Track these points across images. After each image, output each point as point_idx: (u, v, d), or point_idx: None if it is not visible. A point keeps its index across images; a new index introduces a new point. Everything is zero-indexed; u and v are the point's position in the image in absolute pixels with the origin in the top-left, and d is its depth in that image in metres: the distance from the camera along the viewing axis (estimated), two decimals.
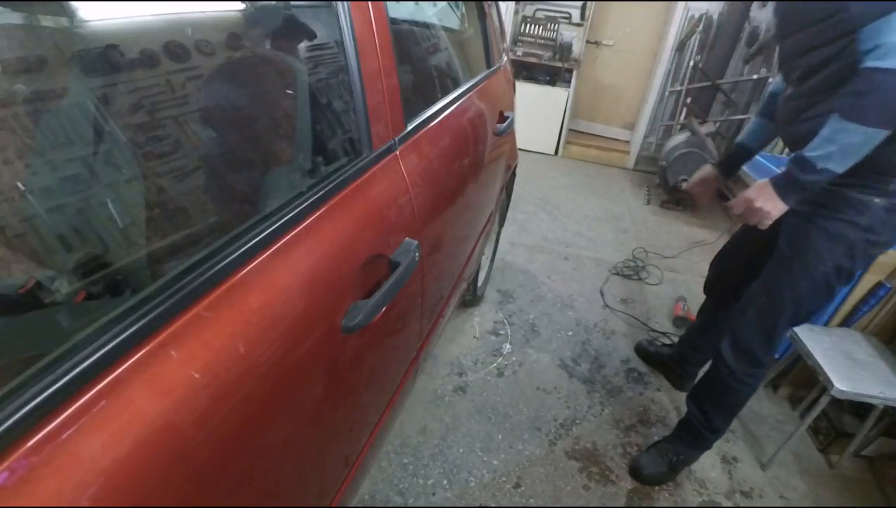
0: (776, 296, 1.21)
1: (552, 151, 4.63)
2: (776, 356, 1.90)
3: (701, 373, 1.61)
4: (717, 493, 1.51)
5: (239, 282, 0.52)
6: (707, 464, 1.59)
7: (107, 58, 0.51)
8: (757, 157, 2.11)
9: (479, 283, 2.14)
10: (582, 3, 4.25)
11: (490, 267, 2.34)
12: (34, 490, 0.33)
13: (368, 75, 0.79)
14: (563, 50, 4.24)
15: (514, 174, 2.14)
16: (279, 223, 0.58)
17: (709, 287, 1.69)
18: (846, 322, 1.74)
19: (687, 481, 1.53)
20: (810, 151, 0.98)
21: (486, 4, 1.74)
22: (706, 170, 1.47)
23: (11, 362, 0.39)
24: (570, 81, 4.30)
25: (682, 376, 1.85)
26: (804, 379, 1.84)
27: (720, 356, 1.34)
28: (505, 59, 2.02)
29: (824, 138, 0.96)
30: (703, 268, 2.84)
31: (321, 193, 0.67)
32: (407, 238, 0.85)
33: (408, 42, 1.22)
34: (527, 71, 4.35)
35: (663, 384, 1.93)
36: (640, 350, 2.04)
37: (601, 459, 1.57)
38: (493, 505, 1.39)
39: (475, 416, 1.66)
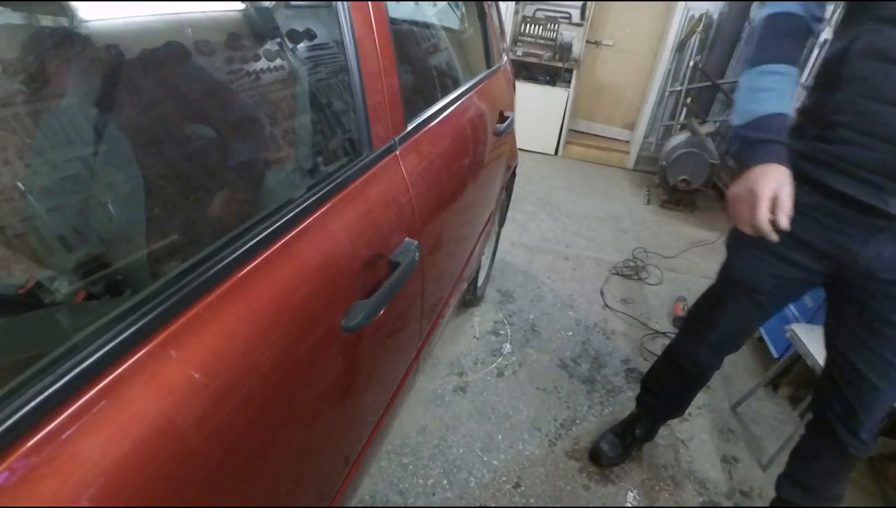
0: None
1: (552, 151, 4.63)
2: (776, 356, 1.90)
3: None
4: (717, 493, 1.51)
5: (239, 282, 0.52)
6: (707, 464, 1.60)
7: (107, 58, 0.51)
8: None
9: (479, 283, 2.14)
10: (582, 3, 4.25)
11: (490, 267, 2.34)
12: (34, 490, 0.33)
13: (368, 75, 0.79)
14: (563, 50, 4.24)
15: (514, 174, 2.14)
16: (279, 223, 0.58)
17: (695, 372, 1.35)
18: None
19: (687, 481, 1.53)
20: None
21: (486, 4, 1.74)
22: (783, 176, 0.85)
23: (11, 362, 0.38)
24: (570, 81, 4.30)
25: (656, 429, 1.58)
26: (804, 379, 1.84)
27: (861, 442, 1.09)
28: (505, 59, 2.02)
29: None
30: (704, 268, 2.87)
31: (321, 193, 0.67)
32: (407, 238, 0.85)
33: (408, 42, 1.22)
34: (527, 71, 4.35)
35: None
36: (606, 459, 1.52)
37: None
38: (493, 505, 1.39)
39: (475, 416, 1.66)
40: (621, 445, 1.54)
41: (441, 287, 1.21)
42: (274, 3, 0.76)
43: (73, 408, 0.37)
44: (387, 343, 0.89)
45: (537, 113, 4.36)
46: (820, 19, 0.92)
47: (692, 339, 1.31)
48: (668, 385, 1.45)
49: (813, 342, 1.55)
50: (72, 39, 0.50)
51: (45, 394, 0.35)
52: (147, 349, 0.43)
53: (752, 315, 1.15)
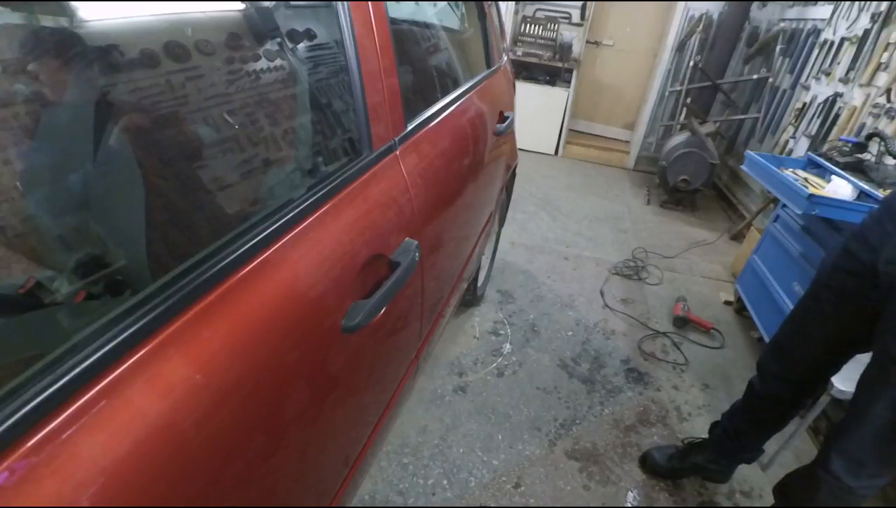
0: None
1: (552, 151, 4.64)
2: None
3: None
4: (717, 493, 1.51)
5: (239, 282, 0.52)
6: None
7: (107, 58, 0.51)
8: (755, 155, 2.12)
9: (479, 283, 2.14)
10: (582, 3, 4.26)
11: (490, 267, 2.34)
12: (34, 490, 0.33)
13: (368, 75, 0.79)
14: (563, 50, 4.25)
15: (514, 174, 2.14)
16: (279, 223, 0.58)
17: (761, 394, 1.32)
18: None
19: (687, 481, 1.53)
20: None
21: (486, 4, 1.74)
22: None
23: (11, 362, 0.38)
24: (570, 81, 4.30)
25: (724, 469, 1.49)
26: None
27: (831, 475, 1.06)
28: (505, 59, 2.02)
29: None
30: (703, 268, 2.87)
31: (321, 193, 0.67)
32: (407, 238, 0.85)
33: (408, 42, 1.22)
34: (527, 71, 4.36)
35: (663, 384, 1.93)
36: (653, 465, 1.54)
37: (601, 459, 1.57)
38: (493, 505, 1.39)
39: (475, 416, 1.66)
40: (676, 459, 1.50)
41: (441, 287, 1.21)
42: (274, 3, 0.76)
43: (73, 408, 0.37)
44: (387, 343, 0.89)
45: (537, 113, 4.36)
46: None
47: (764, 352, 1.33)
48: (736, 410, 1.38)
49: None
50: (72, 39, 0.50)
51: (45, 394, 0.35)
52: (147, 349, 0.43)
53: (809, 320, 1.16)
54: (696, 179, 3.52)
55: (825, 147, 2.26)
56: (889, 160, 1.85)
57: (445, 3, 1.65)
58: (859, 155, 1.94)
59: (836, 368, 1.20)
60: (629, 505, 1.44)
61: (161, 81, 0.55)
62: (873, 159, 1.89)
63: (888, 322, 0.97)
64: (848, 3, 2.75)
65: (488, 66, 1.72)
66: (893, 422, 0.96)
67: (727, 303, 2.51)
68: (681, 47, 4.12)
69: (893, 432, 0.97)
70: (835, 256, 1.13)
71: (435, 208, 1.01)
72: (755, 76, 3.58)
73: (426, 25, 1.40)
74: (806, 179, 1.95)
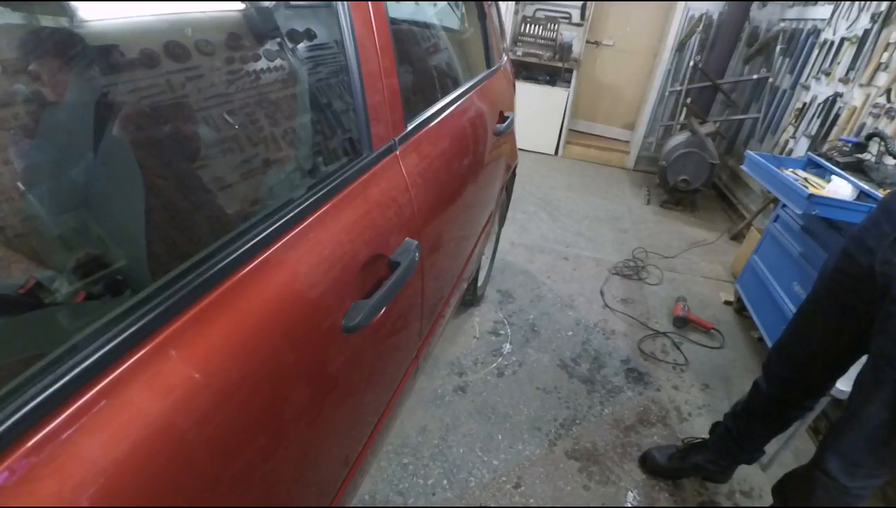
0: None
1: (552, 151, 4.64)
2: None
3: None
4: (717, 493, 1.51)
5: (239, 282, 0.52)
6: None
7: (107, 58, 0.51)
8: (755, 155, 2.12)
9: (479, 283, 2.14)
10: (582, 3, 4.26)
11: (490, 267, 2.34)
12: (34, 490, 0.33)
13: (368, 75, 0.79)
14: (563, 50, 4.25)
15: (514, 174, 2.14)
16: (279, 223, 0.58)
17: (766, 395, 1.31)
18: None
19: (687, 481, 1.53)
20: None
21: (486, 4, 1.74)
22: None
23: (11, 362, 0.38)
24: (570, 81, 4.30)
25: (724, 469, 1.49)
26: None
27: (827, 475, 1.05)
28: (505, 59, 2.02)
29: None
30: (704, 268, 2.88)
31: (321, 193, 0.67)
32: (407, 238, 0.85)
33: (408, 42, 1.22)
34: (527, 71, 4.36)
35: (663, 384, 1.93)
36: (653, 465, 1.54)
37: (601, 459, 1.57)
38: (493, 505, 1.39)
39: (475, 416, 1.66)
40: (676, 459, 1.50)
41: (441, 287, 1.21)
42: (274, 3, 0.76)
43: (73, 408, 0.37)
44: (387, 343, 0.89)
45: (537, 113, 4.36)
46: None
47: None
48: (740, 411, 1.38)
49: None
50: (72, 39, 0.50)
51: (45, 394, 0.35)
52: (147, 349, 0.43)
53: (811, 323, 1.17)
54: (696, 180, 3.52)
55: (825, 147, 2.26)
56: (889, 160, 1.85)
57: (445, 3, 1.65)
58: (859, 155, 1.94)
59: (840, 370, 1.20)
60: (629, 505, 1.44)
61: (161, 81, 0.55)
62: (873, 159, 1.89)
63: (883, 323, 0.97)
64: (848, 3, 2.75)
65: (488, 66, 1.72)
66: (889, 422, 0.95)
67: (727, 303, 2.51)
68: (681, 47, 4.12)
69: (889, 432, 0.96)
70: (835, 258, 1.13)
71: (435, 208, 1.01)
72: (755, 76, 3.58)
73: (426, 25, 1.40)
74: (806, 179, 1.95)
